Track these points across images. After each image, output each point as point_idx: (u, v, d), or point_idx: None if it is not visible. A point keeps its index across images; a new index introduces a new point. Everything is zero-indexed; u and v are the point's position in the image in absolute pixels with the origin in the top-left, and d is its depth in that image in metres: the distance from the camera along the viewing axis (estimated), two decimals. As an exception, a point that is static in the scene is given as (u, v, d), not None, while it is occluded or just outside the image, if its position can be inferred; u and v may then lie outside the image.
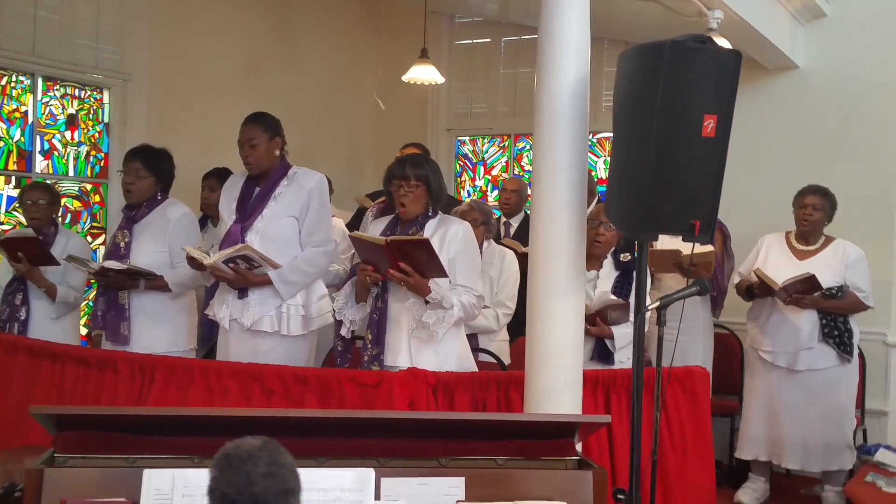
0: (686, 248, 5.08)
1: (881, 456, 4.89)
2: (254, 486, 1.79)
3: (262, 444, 1.86)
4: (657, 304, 2.94)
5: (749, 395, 5.41)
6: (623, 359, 4.11)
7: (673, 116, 2.92)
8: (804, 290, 5.00)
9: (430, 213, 3.93)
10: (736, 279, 5.42)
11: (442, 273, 3.69)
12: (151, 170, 4.54)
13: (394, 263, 3.67)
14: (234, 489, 1.79)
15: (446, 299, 3.73)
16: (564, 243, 3.24)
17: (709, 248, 5.09)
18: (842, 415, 5.16)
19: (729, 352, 6.01)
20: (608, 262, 4.37)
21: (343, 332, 3.94)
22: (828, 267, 5.10)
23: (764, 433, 5.26)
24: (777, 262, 5.20)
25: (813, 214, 5.15)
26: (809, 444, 5.15)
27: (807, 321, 5.09)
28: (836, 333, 5.08)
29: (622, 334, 4.12)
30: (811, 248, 5.23)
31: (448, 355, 3.82)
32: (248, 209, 4.20)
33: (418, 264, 3.66)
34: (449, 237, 3.83)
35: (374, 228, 4.07)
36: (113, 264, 4.36)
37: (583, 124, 3.27)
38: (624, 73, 3.10)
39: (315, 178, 4.28)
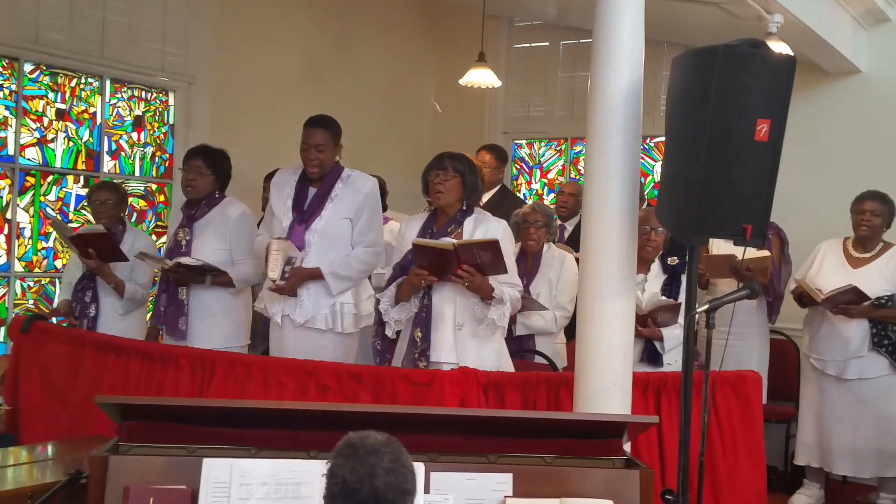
0: (739, 253, 5.07)
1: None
2: (376, 480, 1.83)
3: (387, 440, 1.91)
4: (706, 306, 2.95)
5: (804, 402, 5.39)
6: (672, 360, 4.12)
7: (725, 120, 2.92)
8: (850, 301, 4.96)
9: (465, 209, 3.99)
10: (792, 286, 5.38)
11: (503, 270, 3.77)
12: (212, 168, 4.68)
13: (458, 266, 3.74)
14: (357, 478, 1.83)
15: (505, 295, 3.82)
16: (615, 246, 3.25)
17: (765, 253, 5.07)
18: (894, 423, 5.08)
19: (785, 358, 5.97)
20: (656, 266, 4.38)
21: (388, 332, 4.01)
22: (880, 276, 5.06)
23: (815, 440, 5.23)
24: (830, 270, 5.18)
25: (872, 220, 5.10)
26: (860, 451, 5.10)
27: (857, 330, 5.05)
28: (887, 343, 5.03)
29: (671, 336, 4.12)
30: (867, 255, 5.18)
31: (490, 351, 3.90)
32: (307, 209, 4.29)
33: (481, 264, 3.72)
34: (491, 235, 3.87)
35: (410, 228, 4.13)
36: (188, 260, 4.51)
37: (636, 128, 3.29)
38: (677, 77, 3.11)
39: (370, 182, 4.38)
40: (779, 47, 4.73)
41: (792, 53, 5.00)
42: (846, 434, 5.11)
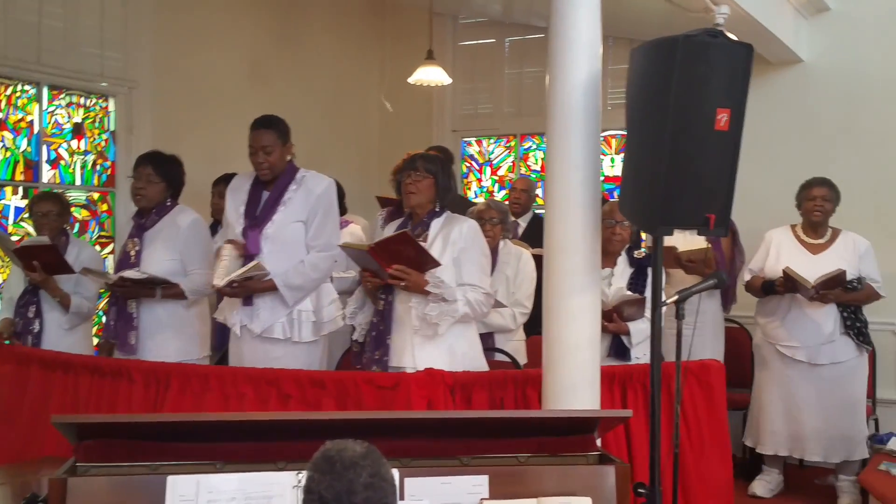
0: (680, 244, 5.12)
1: (894, 444, 4.90)
2: (354, 497, 1.77)
3: (366, 451, 1.84)
4: (675, 297, 2.94)
5: (765, 390, 5.40)
6: (639, 354, 4.13)
7: (686, 111, 2.94)
8: (832, 286, 5.02)
9: (437, 210, 3.95)
10: (747, 276, 5.43)
11: (434, 263, 3.71)
12: (162, 175, 4.53)
13: (386, 267, 3.70)
14: (334, 496, 1.77)
15: (448, 292, 3.74)
16: (579, 241, 3.25)
17: (702, 244, 5.11)
18: (858, 405, 5.21)
19: (739, 346, 6.02)
20: (622, 260, 4.39)
21: (356, 336, 3.98)
22: (843, 260, 5.12)
23: (784, 428, 5.27)
24: (791, 257, 5.21)
25: (823, 205, 5.18)
26: (831, 436, 5.17)
27: (828, 315, 5.12)
28: (857, 325, 5.13)
29: (638, 330, 4.13)
30: (821, 241, 5.25)
31: (453, 353, 3.83)
32: (259, 214, 4.19)
33: (409, 260, 3.68)
34: (454, 235, 3.85)
35: (388, 230, 4.11)
36: (132, 274, 4.36)
37: (595, 122, 3.29)
38: (636, 69, 3.11)
39: (324, 182, 4.26)
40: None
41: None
42: (818, 420, 5.17)
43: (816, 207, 5.18)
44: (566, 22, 3.22)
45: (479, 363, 3.96)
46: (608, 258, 4.25)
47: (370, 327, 3.88)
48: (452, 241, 3.83)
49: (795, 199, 5.30)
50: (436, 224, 3.92)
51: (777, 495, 5.43)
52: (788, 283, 5.10)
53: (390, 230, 4.09)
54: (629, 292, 4.16)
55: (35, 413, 4.28)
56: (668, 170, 2.95)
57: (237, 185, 4.34)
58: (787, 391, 5.26)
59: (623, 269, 4.34)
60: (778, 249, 5.31)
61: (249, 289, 4.09)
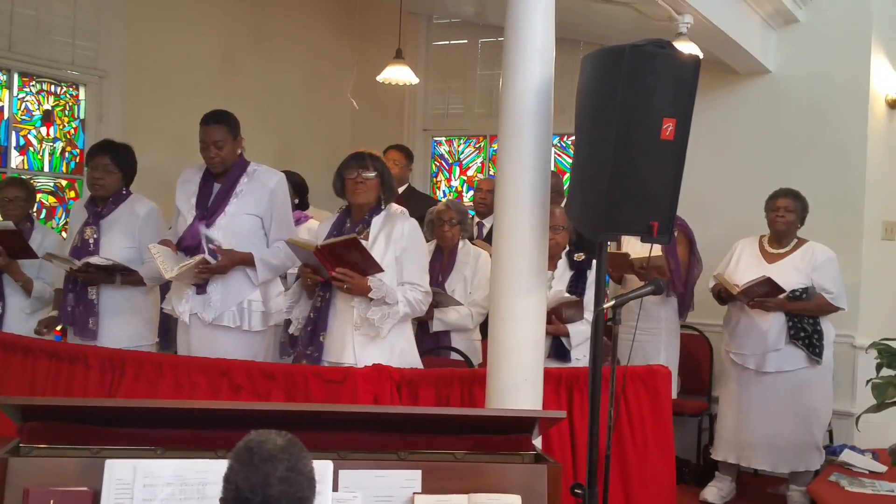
0: (634, 251, 5.18)
1: (846, 456, 4.97)
2: (269, 489, 1.79)
3: (286, 444, 1.85)
4: (612, 302, 3.00)
5: (722, 398, 5.49)
6: (580, 356, 4.19)
7: (632, 119, 2.97)
8: (766, 293, 5.07)
9: (377, 207, 3.98)
10: (711, 283, 5.47)
11: (377, 268, 3.75)
12: (119, 165, 4.58)
13: (330, 269, 3.74)
14: (250, 487, 1.79)
15: (390, 295, 3.78)
16: (527, 242, 3.28)
17: (657, 252, 5.17)
18: (811, 416, 5.22)
19: (698, 353, 6.10)
20: (562, 262, 4.44)
21: (291, 329, 4.01)
22: (794, 269, 5.17)
23: (734, 435, 5.33)
24: (747, 266, 5.28)
25: (785, 216, 5.22)
26: (778, 445, 5.21)
27: (773, 323, 5.16)
28: (804, 335, 5.14)
29: (578, 332, 4.19)
30: (782, 251, 5.30)
31: (392, 351, 3.86)
32: (211, 206, 4.24)
33: (354, 264, 3.72)
34: (395, 234, 3.89)
35: (323, 228, 4.12)
36: (98, 260, 4.42)
37: (547, 125, 3.32)
38: (586, 75, 3.15)
39: (276, 176, 4.34)
40: (688, 47, 4.83)
41: (700, 54, 5.11)
42: (764, 428, 5.21)
43: (778, 218, 5.23)
44: (519, 26, 3.26)
45: (414, 359, 4.00)
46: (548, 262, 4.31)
47: (306, 322, 3.91)
48: (395, 240, 3.87)
49: (764, 209, 5.35)
50: (377, 221, 3.95)
51: (728, 502, 5.47)
52: (726, 290, 5.18)
53: (327, 224, 4.12)
54: (567, 294, 4.22)
55: (-7, 394, 4.30)
56: (613, 176, 2.98)
57: (187, 178, 4.39)
58: (738, 399, 5.32)
59: (563, 272, 4.40)
60: (738, 258, 5.37)
61: (231, 260, 4.14)
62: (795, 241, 5.32)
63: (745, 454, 5.31)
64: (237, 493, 1.81)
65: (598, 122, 3.06)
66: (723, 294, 5.28)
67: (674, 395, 5.38)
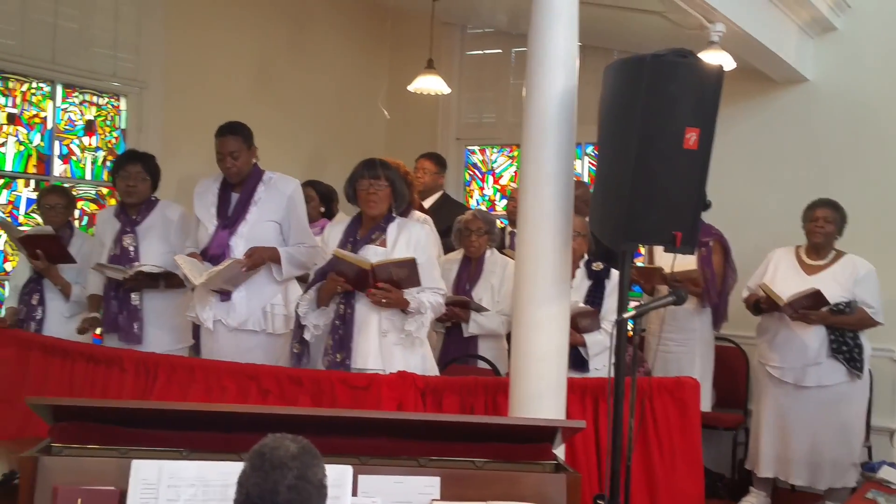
0: (667, 263, 5.10)
1: (884, 473, 4.84)
2: (277, 497, 1.81)
3: (298, 451, 1.87)
4: (633, 312, 2.99)
5: (758, 411, 5.38)
6: (598, 366, 4.17)
7: (654, 129, 2.98)
8: (810, 306, 4.97)
9: (390, 215, 4.03)
10: (745, 293, 5.40)
11: (417, 283, 3.82)
12: (150, 172, 4.79)
13: (374, 283, 3.78)
14: (259, 494, 1.82)
15: (423, 305, 3.86)
16: (549, 251, 3.30)
17: (691, 266, 5.11)
18: (850, 432, 5.14)
19: (734, 365, 5.99)
20: (580, 272, 4.43)
21: (307, 336, 4.02)
22: (836, 282, 5.07)
23: (772, 449, 5.23)
24: (786, 276, 5.18)
25: (825, 227, 5.13)
26: (817, 461, 5.12)
27: (815, 337, 5.06)
28: (845, 349, 5.05)
29: (595, 341, 4.18)
30: (821, 262, 5.20)
31: (415, 356, 3.93)
32: (231, 215, 4.35)
33: (397, 280, 3.77)
34: (414, 241, 3.94)
35: (334, 232, 4.14)
36: (148, 268, 4.59)
37: (569, 134, 3.33)
38: (608, 85, 3.16)
39: (293, 183, 4.48)
40: (720, 56, 4.78)
41: (733, 62, 5.09)
42: (804, 443, 5.12)
43: (818, 229, 5.13)
44: (543, 36, 3.29)
45: (432, 364, 4.08)
46: None
47: (331, 330, 3.93)
48: (416, 246, 3.92)
49: (801, 220, 5.26)
50: (392, 228, 3.99)
51: (762, 517, 5.38)
52: (769, 301, 5.08)
53: (338, 228, 4.14)
54: (582, 304, 4.20)
55: (33, 395, 4.38)
56: (635, 186, 2.99)
57: (204, 188, 4.51)
58: (776, 412, 5.22)
59: (581, 282, 4.38)
60: (775, 268, 5.27)
61: (260, 255, 4.24)
62: (833, 252, 5.22)
63: (784, 469, 5.21)
64: (247, 497, 1.84)
65: (619, 131, 3.07)
66: (762, 305, 5.18)
67: (708, 407, 5.36)
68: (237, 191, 4.41)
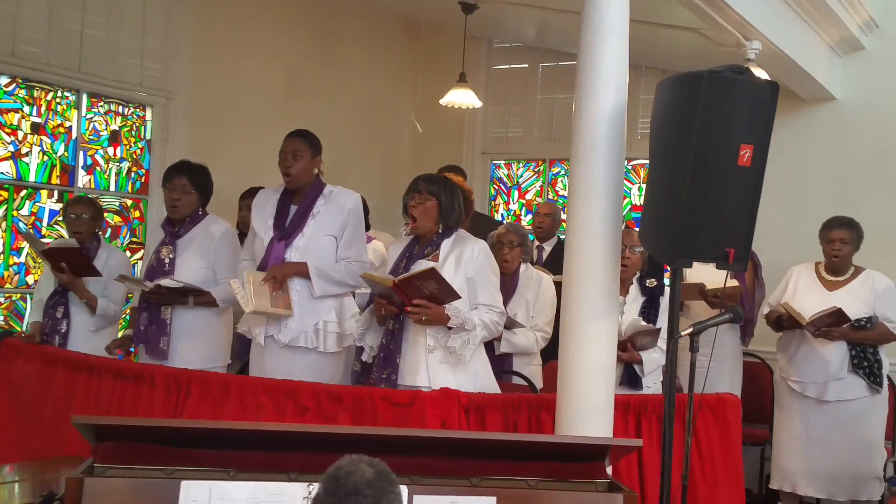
0: (710, 281, 5.10)
1: (908, 488, 4.88)
2: None
3: (375, 477, 1.81)
4: (690, 329, 2.96)
5: (780, 426, 5.40)
6: (650, 384, 4.14)
7: (709, 145, 2.96)
8: (832, 323, 5.01)
9: (442, 231, 3.97)
10: (766, 310, 5.43)
11: (455, 296, 3.72)
12: (196, 186, 4.64)
13: (407, 301, 3.72)
14: None
15: (468, 321, 3.77)
16: (599, 268, 3.26)
17: (734, 282, 5.10)
18: (871, 445, 5.16)
19: (759, 380, 6.00)
20: (634, 288, 4.39)
21: (364, 357, 3.99)
22: (857, 298, 5.11)
23: (793, 464, 5.25)
24: (806, 293, 5.21)
25: (842, 249, 5.15)
26: (837, 474, 5.14)
27: (836, 352, 5.09)
28: (866, 364, 5.09)
29: (651, 359, 4.13)
30: (840, 278, 5.23)
31: (467, 373, 3.85)
32: (288, 227, 4.26)
33: (431, 294, 3.70)
34: (465, 256, 3.87)
35: (393, 250, 4.12)
36: (168, 282, 4.46)
37: (619, 151, 3.30)
38: (662, 101, 3.14)
39: (353, 197, 4.36)
40: (757, 73, 4.78)
41: (768, 80, 5.08)
42: (825, 457, 5.15)
43: (835, 251, 5.15)
44: (595, 51, 3.25)
45: (490, 383, 3.98)
46: (620, 286, 4.26)
47: (380, 347, 3.89)
48: (465, 262, 3.86)
49: (819, 237, 5.27)
50: (446, 244, 3.94)
51: (790, 532, 5.38)
52: (791, 319, 5.11)
53: (398, 246, 4.12)
54: (644, 322, 4.17)
55: (59, 412, 4.33)
56: (689, 203, 2.97)
57: (263, 199, 4.42)
58: (798, 427, 5.24)
59: (635, 298, 4.34)
60: (796, 285, 5.30)
61: (284, 271, 4.16)
62: (853, 269, 5.25)
63: (803, 482, 5.23)
64: None
65: (673, 147, 3.05)
66: (784, 322, 5.21)
67: (739, 423, 5.34)
68: (296, 202, 4.32)
